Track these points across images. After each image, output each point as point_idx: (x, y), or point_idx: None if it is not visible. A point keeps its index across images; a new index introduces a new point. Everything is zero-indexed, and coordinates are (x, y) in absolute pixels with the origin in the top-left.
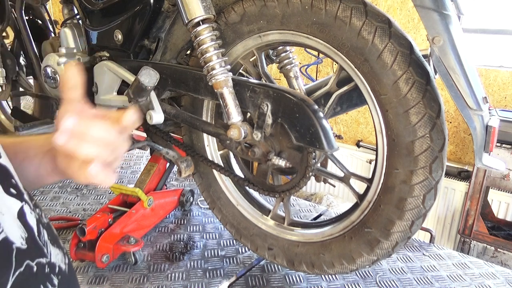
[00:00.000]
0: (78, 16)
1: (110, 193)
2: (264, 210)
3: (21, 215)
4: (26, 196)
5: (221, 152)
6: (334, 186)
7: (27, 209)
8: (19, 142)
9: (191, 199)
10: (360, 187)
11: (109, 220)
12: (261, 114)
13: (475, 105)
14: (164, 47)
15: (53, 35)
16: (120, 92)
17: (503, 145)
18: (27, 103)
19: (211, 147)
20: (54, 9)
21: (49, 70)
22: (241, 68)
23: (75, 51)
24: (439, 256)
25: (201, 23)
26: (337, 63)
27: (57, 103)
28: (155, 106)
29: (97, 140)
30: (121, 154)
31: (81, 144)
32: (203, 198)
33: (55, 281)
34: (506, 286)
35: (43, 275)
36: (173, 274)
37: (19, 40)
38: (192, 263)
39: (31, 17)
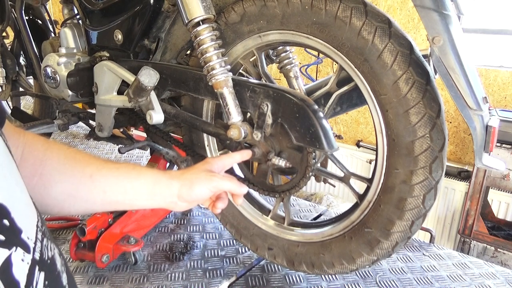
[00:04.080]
0: (78, 16)
1: None
2: (264, 210)
3: (4, 269)
4: (23, 235)
5: (221, 152)
6: (334, 186)
7: (17, 256)
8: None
9: None
10: (360, 187)
11: (109, 220)
12: (261, 114)
13: (475, 105)
14: (164, 47)
15: (53, 35)
16: (120, 92)
17: (503, 145)
18: (27, 103)
19: (211, 147)
20: (54, 9)
21: (49, 70)
22: (241, 68)
23: (75, 51)
24: (439, 256)
25: (201, 23)
26: (337, 63)
27: (57, 103)
28: (155, 106)
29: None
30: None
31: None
32: None
33: None
34: (506, 286)
35: None
36: (173, 274)
37: (19, 40)
38: (192, 263)
39: (31, 17)
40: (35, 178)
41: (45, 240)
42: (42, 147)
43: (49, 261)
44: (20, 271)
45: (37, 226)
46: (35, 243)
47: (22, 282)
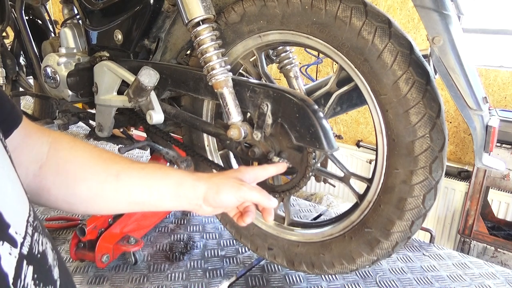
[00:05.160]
0: (78, 16)
1: None
2: None
3: None
4: (11, 230)
5: (221, 152)
6: (334, 186)
7: (4, 250)
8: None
9: None
10: (360, 187)
11: (109, 220)
12: (261, 114)
13: (475, 105)
14: (164, 47)
15: (53, 35)
16: (120, 92)
17: (503, 145)
18: (27, 103)
19: (211, 147)
20: (54, 9)
21: (49, 70)
22: (241, 68)
23: (75, 51)
24: (439, 256)
25: (201, 23)
26: (337, 63)
27: (57, 103)
28: (155, 106)
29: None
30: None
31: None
32: None
33: None
34: (506, 286)
35: None
36: (173, 274)
37: (19, 40)
38: (192, 263)
39: (31, 17)
40: (61, 176)
41: (36, 234)
42: (68, 145)
43: (39, 255)
44: (8, 264)
45: (28, 221)
46: (24, 238)
47: (11, 274)
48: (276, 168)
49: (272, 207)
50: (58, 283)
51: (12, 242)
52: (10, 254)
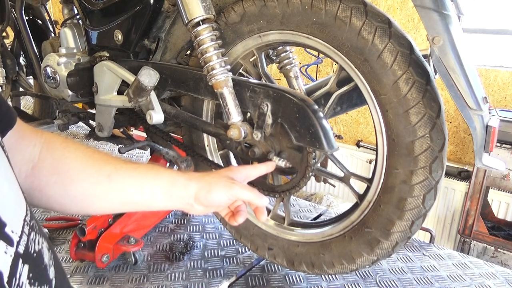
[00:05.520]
0: (78, 16)
1: None
2: None
3: None
4: (7, 229)
5: (221, 152)
6: (334, 186)
7: (0, 248)
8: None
9: None
10: (360, 187)
11: (109, 220)
12: (261, 114)
13: (475, 105)
14: (164, 47)
15: (53, 35)
16: (120, 92)
17: (503, 145)
18: (27, 103)
19: (211, 147)
20: (54, 9)
21: (49, 70)
22: (241, 68)
23: (75, 51)
24: (439, 256)
25: (201, 23)
26: (337, 63)
27: (57, 103)
28: (155, 106)
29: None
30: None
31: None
32: None
33: None
34: (506, 286)
35: None
36: (173, 274)
37: (19, 40)
38: (192, 263)
39: (31, 17)
40: (54, 177)
41: (32, 234)
42: (61, 146)
43: (35, 254)
44: (3, 263)
45: (24, 220)
46: (20, 237)
47: (5, 273)
48: (266, 167)
49: (263, 205)
50: (53, 282)
51: (8, 241)
52: (5, 252)
